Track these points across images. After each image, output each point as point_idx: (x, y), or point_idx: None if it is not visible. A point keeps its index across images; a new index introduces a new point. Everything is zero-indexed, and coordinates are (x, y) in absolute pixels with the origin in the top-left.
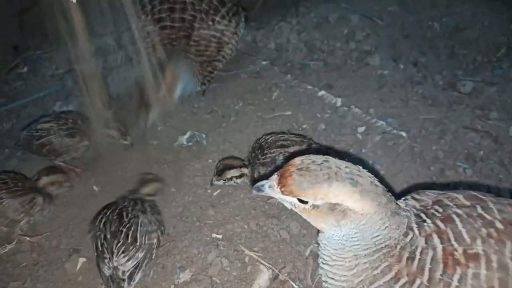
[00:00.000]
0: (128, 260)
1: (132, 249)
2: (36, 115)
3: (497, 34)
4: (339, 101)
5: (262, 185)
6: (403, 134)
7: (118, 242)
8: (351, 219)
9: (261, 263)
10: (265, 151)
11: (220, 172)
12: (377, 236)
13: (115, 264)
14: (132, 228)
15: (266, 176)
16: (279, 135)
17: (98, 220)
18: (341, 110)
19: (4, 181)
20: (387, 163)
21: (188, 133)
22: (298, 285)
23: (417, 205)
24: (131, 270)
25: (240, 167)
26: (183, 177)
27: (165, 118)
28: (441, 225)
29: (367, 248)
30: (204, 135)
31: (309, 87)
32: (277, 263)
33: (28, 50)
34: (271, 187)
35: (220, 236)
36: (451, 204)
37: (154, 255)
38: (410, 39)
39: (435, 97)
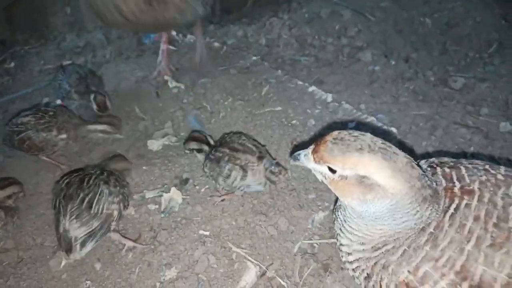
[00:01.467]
0: (80, 226)
1: (85, 216)
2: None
3: (489, 30)
4: (329, 97)
5: (299, 154)
6: (394, 129)
7: (73, 206)
8: (379, 196)
9: (249, 259)
10: (218, 148)
11: (185, 141)
12: (406, 221)
13: (67, 227)
14: (90, 195)
15: None
16: (242, 137)
17: (62, 180)
18: (331, 105)
19: None
20: None
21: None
22: (286, 282)
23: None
24: (84, 237)
25: (203, 142)
26: (170, 172)
27: (154, 113)
28: (448, 170)
29: (395, 230)
30: None
31: (300, 82)
32: (265, 260)
33: (16, 45)
34: (306, 156)
35: (207, 233)
36: (465, 162)
37: (112, 227)
38: (402, 35)
39: (426, 93)
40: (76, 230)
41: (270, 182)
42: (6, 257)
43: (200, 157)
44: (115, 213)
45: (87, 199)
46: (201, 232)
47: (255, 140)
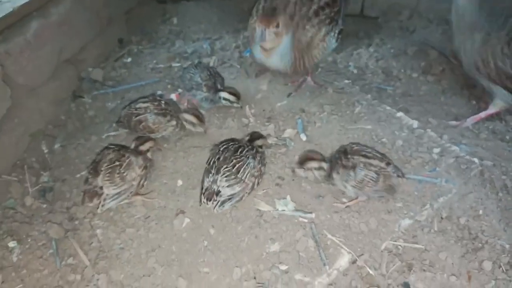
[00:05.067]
0: (228, 186)
1: (233, 179)
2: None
3: None
4: (415, 123)
5: None
6: (476, 160)
7: (227, 167)
8: None
9: (342, 247)
10: (348, 156)
11: (301, 161)
12: None
13: (218, 182)
14: (240, 163)
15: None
16: (364, 147)
17: (221, 144)
18: (417, 131)
19: (120, 147)
20: (459, 183)
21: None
22: (374, 272)
23: None
24: (225, 198)
25: (320, 160)
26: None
27: (255, 116)
28: None
29: None
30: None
31: (388, 107)
32: (356, 251)
33: (130, 44)
34: None
35: (306, 220)
36: None
37: (244, 197)
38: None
39: (505, 134)
40: (223, 188)
41: (391, 188)
42: (135, 211)
43: (318, 175)
44: (250, 185)
45: (237, 166)
46: (301, 219)
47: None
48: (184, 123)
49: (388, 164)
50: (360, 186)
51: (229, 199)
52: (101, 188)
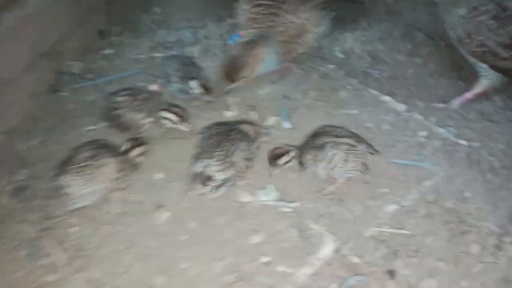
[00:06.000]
0: (219, 171)
1: (227, 162)
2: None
3: None
4: (402, 107)
5: None
6: (463, 142)
7: (218, 151)
8: None
9: (326, 236)
10: (318, 137)
11: (271, 162)
12: None
13: (210, 166)
14: (233, 146)
15: None
16: (335, 127)
17: (210, 128)
18: (404, 115)
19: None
20: (446, 166)
21: None
22: (358, 260)
23: None
24: (219, 182)
25: (287, 152)
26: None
27: (238, 104)
28: None
29: None
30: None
31: (374, 91)
32: (340, 239)
33: (112, 35)
34: None
35: (290, 210)
36: None
37: (236, 182)
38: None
39: (492, 115)
40: (216, 172)
41: (364, 166)
42: (112, 207)
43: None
44: (243, 168)
45: (231, 149)
46: (284, 209)
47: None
48: (163, 121)
49: (358, 142)
50: (330, 167)
51: (223, 183)
52: (65, 187)
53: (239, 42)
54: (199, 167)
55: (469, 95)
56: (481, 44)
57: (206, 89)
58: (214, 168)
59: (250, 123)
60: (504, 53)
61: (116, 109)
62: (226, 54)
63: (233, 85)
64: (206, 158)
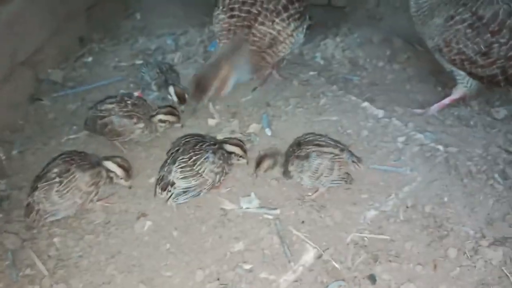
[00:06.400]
0: (182, 178)
1: (189, 171)
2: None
3: None
4: (381, 113)
5: None
6: (440, 147)
7: (183, 158)
8: None
9: (307, 242)
10: (301, 147)
11: (257, 164)
12: None
13: (172, 173)
14: (198, 156)
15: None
16: (317, 136)
17: (184, 137)
18: (382, 121)
19: (71, 158)
20: (424, 171)
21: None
22: (339, 266)
23: None
24: (180, 191)
25: (272, 156)
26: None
27: (219, 112)
28: None
29: None
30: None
31: (353, 98)
32: (321, 245)
33: (92, 42)
34: None
35: (271, 217)
36: None
37: (202, 193)
38: None
39: (469, 120)
40: (178, 179)
41: (348, 176)
42: (95, 217)
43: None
44: (209, 181)
45: (194, 158)
46: (265, 216)
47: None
48: (160, 124)
49: (342, 150)
50: (316, 176)
51: (184, 192)
52: (37, 204)
53: (207, 63)
54: (161, 171)
55: (446, 101)
56: (460, 52)
57: (180, 98)
58: (176, 175)
59: (240, 146)
60: (481, 61)
61: (104, 117)
62: (196, 72)
63: (199, 105)
64: (169, 163)
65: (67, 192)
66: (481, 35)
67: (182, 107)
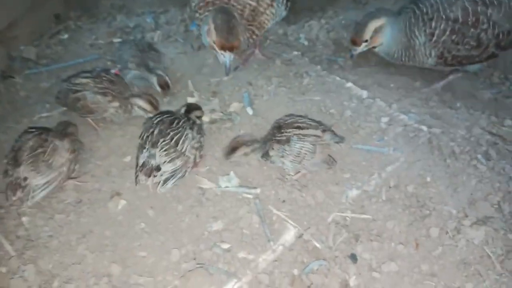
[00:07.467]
0: (169, 162)
1: (173, 152)
2: None
3: None
4: (365, 93)
5: None
6: (424, 128)
7: (164, 140)
8: None
9: (288, 222)
10: (282, 130)
11: (227, 154)
12: None
13: (156, 157)
14: (178, 135)
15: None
16: (297, 118)
17: (154, 117)
18: (366, 101)
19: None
20: (407, 152)
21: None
22: (320, 245)
23: None
24: (168, 175)
25: (247, 145)
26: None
27: (199, 90)
28: None
29: None
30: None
31: (337, 78)
32: (302, 225)
33: (69, 20)
34: None
35: (251, 196)
36: None
37: (187, 173)
38: None
39: (453, 102)
40: (164, 164)
41: (330, 159)
42: (66, 196)
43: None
44: (191, 159)
45: (175, 138)
46: (245, 195)
47: (309, 118)
48: (135, 108)
49: (324, 131)
50: (298, 160)
51: (172, 176)
52: (25, 179)
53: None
54: (141, 157)
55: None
56: (455, 56)
57: (163, 88)
58: (161, 159)
59: (200, 109)
60: (476, 53)
61: (77, 91)
62: None
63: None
64: (149, 148)
65: (53, 161)
66: (466, 34)
67: (167, 98)
